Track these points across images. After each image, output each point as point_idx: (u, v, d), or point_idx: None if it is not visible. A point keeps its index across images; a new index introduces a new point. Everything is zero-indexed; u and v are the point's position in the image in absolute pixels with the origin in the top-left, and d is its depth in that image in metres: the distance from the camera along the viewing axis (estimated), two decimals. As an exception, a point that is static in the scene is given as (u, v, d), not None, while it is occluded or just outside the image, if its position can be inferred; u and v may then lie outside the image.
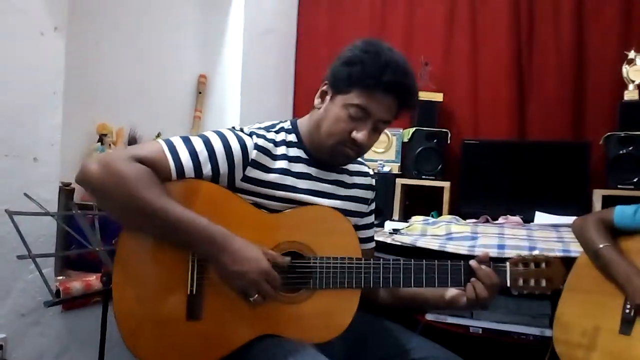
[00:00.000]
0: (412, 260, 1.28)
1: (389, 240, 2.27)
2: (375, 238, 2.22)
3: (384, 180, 2.67)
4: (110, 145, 2.07)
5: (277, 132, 1.31)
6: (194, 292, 1.18)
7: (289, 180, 1.28)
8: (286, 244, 1.24)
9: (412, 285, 1.27)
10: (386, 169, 2.74)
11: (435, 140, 2.67)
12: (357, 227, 1.43)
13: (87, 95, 2.06)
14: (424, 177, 2.68)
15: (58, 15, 1.69)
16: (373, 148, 2.71)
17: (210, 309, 1.19)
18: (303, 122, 1.35)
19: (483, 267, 1.27)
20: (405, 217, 2.67)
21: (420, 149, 2.67)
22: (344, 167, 1.39)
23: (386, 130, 2.79)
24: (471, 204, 2.63)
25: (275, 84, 2.97)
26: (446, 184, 2.65)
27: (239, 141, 1.23)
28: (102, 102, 2.15)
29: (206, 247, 1.14)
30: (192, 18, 2.70)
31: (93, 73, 2.10)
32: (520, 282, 1.29)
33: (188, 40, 2.68)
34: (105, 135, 2.07)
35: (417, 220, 2.51)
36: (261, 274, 1.14)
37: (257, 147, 1.24)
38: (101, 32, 2.15)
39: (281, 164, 1.28)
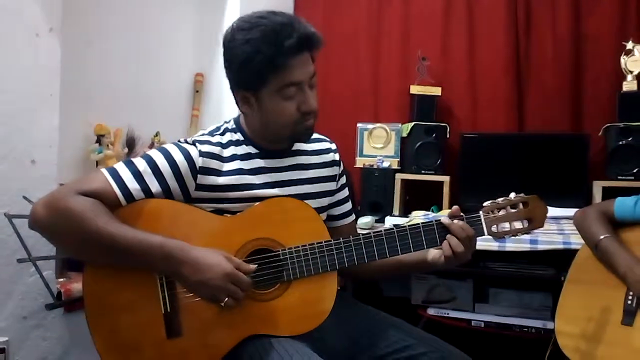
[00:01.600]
0: (382, 230, 1.26)
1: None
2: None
3: (384, 176, 2.67)
4: (108, 145, 2.07)
5: (222, 134, 1.30)
6: (169, 309, 1.17)
7: (244, 179, 1.26)
8: (252, 242, 1.23)
9: (388, 255, 1.25)
10: (385, 164, 2.73)
11: (434, 135, 2.66)
12: (331, 206, 1.42)
13: (84, 96, 2.06)
14: (423, 171, 2.67)
15: (53, 16, 1.68)
16: (372, 144, 2.78)
17: (188, 323, 1.18)
18: (244, 121, 1.32)
19: (455, 221, 1.25)
20: (405, 212, 2.66)
21: (419, 143, 2.66)
22: (299, 149, 1.37)
23: (385, 126, 2.80)
24: (471, 198, 2.61)
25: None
26: (446, 178, 2.64)
27: (182, 152, 1.22)
28: (100, 102, 2.15)
29: (165, 264, 1.14)
30: (188, 17, 2.69)
31: (89, 74, 2.09)
32: (498, 227, 1.27)
33: (184, 38, 2.67)
34: (103, 135, 2.06)
35: (417, 215, 2.51)
36: (225, 278, 1.12)
37: (203, 153, 1.23)
38: (96, 32, 2.14)
39: (233, 164, 1.26)
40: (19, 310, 1.61)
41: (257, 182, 1.28)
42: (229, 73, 1.26)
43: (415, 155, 2.67)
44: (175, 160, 1.21)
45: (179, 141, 1.27)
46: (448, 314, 2.29)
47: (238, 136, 1.30)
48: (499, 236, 1.28)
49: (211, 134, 1.30)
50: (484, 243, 2.11)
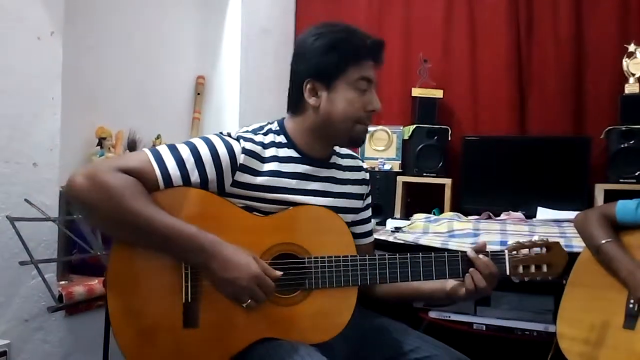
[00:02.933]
0: (409, 254, 1.27)
1: (391, 239, 2.26)
2: (377, 237, 2.24)
3: (385, 178, 2.68)
4: (109, 148, 2.07)
5: (265, 134, 1.30)
6: (190, 300, 1.18)
7: (281, 182, 1.27)
8: (279, 246, 1.24)
9: (410, 279, 1.26)
10: (387, 166, 2.74)
11: (435, 137, 2.66)
12: (354, 223, 1.42)
13: (85, 99, 2.06)
14: (425, 174, 2.67)
15: (55, 19, 1.68)
16: (373, 146, 2.79)
17: (206, 316, 1.18)
18: (290, 123, 1.33)
19: (481, 256, 1.26)
20: (407, 214, 2.67)
21: (420, 146, 2.67)
22: (335, 162, 1.38)
23: (386, 128, 2.81)
24: (473, 201, 2.63)
25: (273, 84, 2.96)
26: (447, 181, 2.64)
27: (226, 146, 1.22)
28: (101, 105, 2.15)
29: (196, 256, 1.14)
30: (190, 19, 2.70)
31: (91, 76, 2.09)
32: (520, 269, 1.28)
33: (185, 41, 2.67)
34: (105, 138, 2.06)
35: (418, 218, 2.51)
36: (252, 279, 1.13)
37: (245, 151, 1.23)
38: (98, 36, 2.14)
39: (271, 166, 1.27)
40: (20, 313, 1.61)
41: (292, 187, 1.28)
42: (303, 64, 1.28)
43: (417, 157, 2.67)
44: (218, 153, 1.21)
45: (221, 133, 1.27)
46: (450, 317, 2.27)
47: (281, 139, 1.31)
48: (519, 277, 1.29)
49: (254, 132, 1.30)
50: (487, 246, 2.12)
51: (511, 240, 2.09)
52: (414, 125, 2.68)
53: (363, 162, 1.49)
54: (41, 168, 1.66)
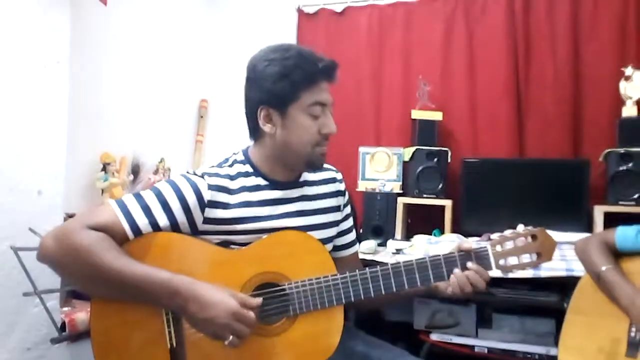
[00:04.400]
0: (389, 264, 1.25)
1: (392, 261, 2.26)
2: (379, 259, 2.24)
3: (386, 200, 2.68)
4: (113, 173, 2.08)
5: (230, 165, 1.31)
6: (174, 344, 1.18)
7: (252, 211, 1.27)
8: (258, 276, 1.23)
9: (394, 289, 1.25)
10: (387, 188, 2.75)
11: (435, 159, 2.68)
12: (336, 236, 1.43)
13: (90, 124, 2.08)
14: (425, 195, 2.68)
15: (60, 48, 1.71)
16: (374, 168, 2.80)
17: (194, 358, 1.18)
18: (253, 151, 1.34)
19: (469, 264, 1.24)
20: (407, 236, 2.67)
21: (421, 167, 2.68)
22: (306, 180, 1.38)
23: (387, 150, 2.82)
24: (473, 222, 2.63)
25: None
26: (448, 202, 2.65)
27: (191, 185, 1.23)
28: (105, 130, 2.17)
29: (172, 300, 1.14)
30: (193, 43, 2.73)
31: (95, 102, 2.12)
32: (507, 261, 1.26)
33: (188, 65, 2.70)
34: (109, 164, 2.08)
35: (419, 239, 2.52)
36: (231, 316, 1.12)
37: (211, 187, 1.24)
38: (101, 62, 2.17)
39: (241, 197, 1.27)
40: (23, 342, 1.61)
41: (265, 214, 1.28)
42: (256, 91, 1.27)
43: (417, 179, 2.68)
44: (183, 194, 1.21)
45: (187, 172, 1.28)
46: (451, 339, 2.28)
47: (247, 168, 1.31)
48: (506, 270, 1.27)
49: (220, 165, 1.31)
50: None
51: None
52: (414, 147, 2.70)
53: (338, 172, 1.47)
54: (45, 196, 1.67)
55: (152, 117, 2.41)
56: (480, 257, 1.26)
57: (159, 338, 1.18)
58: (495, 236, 1.29)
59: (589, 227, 2.41)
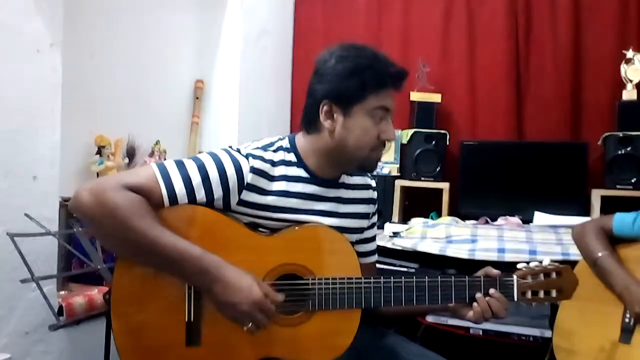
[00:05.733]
0: (414, 277, 1.27)
1: (389, 245, 2.28)
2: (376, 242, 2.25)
3: (383, 182, 2.68)
4: (109, 156, 2.07)
5: (275, 150, 1.29)
6: (192, 319, 1.19)
7: (288, 202, 1.27)
8: (283, 266, 1.24)
9: (415, 303, 1.26)
10: (385, 170, 2.75)
11: (434, 142, 2.67)
12: (358, 242, 1.42)
13: (85, 108, 2.05)
14: (423, 178, 2.68)
15: (54, 31, 1.68)
16: (371, 150, 2.79)
17: (209, 335, 1.19)
18: (302, 142, 1.32)
19: (492, 291, 1.25)
20: (404, 218, 2.68)
21: (419, 150, 2.67)
22: (344, 182, 1.38)
23: (385, 132, 2.81)
24: (470, 205, 2.64)
25: (272, 86, 2.96)
26: (445, 185, 2.65)
27: (234, 165, 1.22)
28: (100, 113, 2.14)
29: (199, 278, 1.14)
30: (188, 23, 2.68)
31: (89, 85, 2.08)
32: (529, 294, 1.28)
33: (183, 45, 2.66)
34: (104, 147, 2.06)
35: (416, 222, 2.52)
36: (253, 305, 1.13)
37: (253, 170, 1.23)
38: (97, 44, 2.13)
39: (279, 185, 1.26)
40: (20, 327, 1.62)
41: (299, 207, 1.28)
42: (323, 84, 1.26)
43: (415, 162, 2.68)
44: (226, 172, 1.20)
45: (230, 148, 1.27)
46: (447, 321, 2.29)
47: (291, 157, 1.30)
48: (526, 302, 1.28)
49: (264, 148, 1.28)
50: (483, 253, 2.14)
51: (509, 247, 2.13)
52: (413, 130, 2.68)
53: (372, 179, 1.47)
54: (41, 181, 1.66)
55: (146, 99, 2.38)
56: (505, 286, 1.27)
57: (178, 310, 1.18)
58: (521, 267, 1.30)
59: (586, 210, 2.42)
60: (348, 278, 1.24)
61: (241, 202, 1.23)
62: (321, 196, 1.32)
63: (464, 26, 2.78)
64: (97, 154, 2.06)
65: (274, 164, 1.27)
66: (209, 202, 1.21)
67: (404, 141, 2.75)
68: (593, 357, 1.52)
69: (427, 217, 2.61)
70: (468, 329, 2.26)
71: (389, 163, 2.79)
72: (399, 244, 2.27)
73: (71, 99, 1.81)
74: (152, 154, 2.30)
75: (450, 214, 2.62)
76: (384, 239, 2.35)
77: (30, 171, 1.64)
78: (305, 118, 1.31)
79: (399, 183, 2.69)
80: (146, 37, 2.40)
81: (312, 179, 1.30)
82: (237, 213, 1.25)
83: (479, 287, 1.27)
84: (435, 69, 2.78)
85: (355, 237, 1.40)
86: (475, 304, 1.26)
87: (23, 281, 1.37)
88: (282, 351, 1.22)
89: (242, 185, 1.22)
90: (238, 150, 1.26)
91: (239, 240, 1.23)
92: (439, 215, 2.63)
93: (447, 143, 2.70)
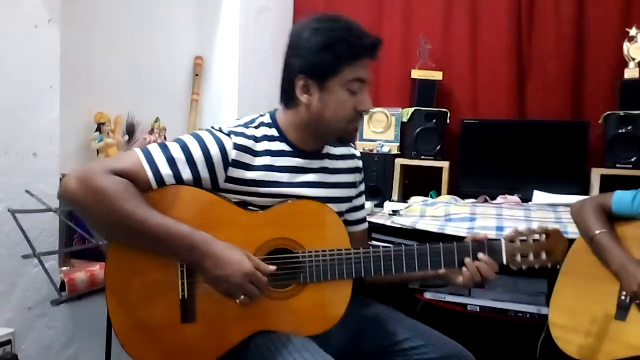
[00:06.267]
0: (403, 245, 1.28)
1: (388, 223, 2.29)
2: (375, 220, 2.26)
3: (383, 161, 2.68)
4: (108, 133, 2.06)
5: (256, 127, 1.30)
6: (186, 296, 1.20)
7: (273, 176, 1.28)
8: (273, 241, 1.25)
9: (404, 271, 1.28)
10: (385, 149, 2.74)
11: (434, 120, 2.66)
12: (347, 211, 1.44)
13: (84, 85, 2.04)
14: (423, 157, 2.68)
15: (52, 6, 1.66)
16: (372, 128, 2.78)
17: (203, 311, 1.21)
18: (282, 116, 1.33)
19: (480, 255, 1.27)
20: (404, 197, 2.69)
21: (419, 129, 2.66)
22: (328, 152, 1.39)
23: (385, 110, 2.80)
24: (470, 184, 2.64)
25: (271, 63, 2.93)
26: (445, 164, 2.65)
27: (217, 143, 1.23)
28: (98, 90, 2.13)
29: (189, 254, 1.16)
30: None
31: (89, 62, 2.07)
32: (518, 257, 1.29)
33: (182, 22, 2.64)
34: (103, 124, 2.05)
35: (415, 201, 2.53)
36: (245, 277, 1.15)
37: (237, 146, 1.24)
38: (95, 21, 2.10)
39: (264, 160, 1.28)
40: (23, 301, 1.64)
41: (285, 180, 1.29)
42: (297, 59, 1.25)
43: (415, 140, 2.67)
44: (209, 150, 1.22)
45: (212, 128, 1.28)
46: (444, 298, 2.32)
47: (273, 132, 1.31)
48: (516, 265, 1.29)
49: (246, 125, 1.30)
50: (482, 231, 2.14)
51: (507, 225, 2.14)
52: (413, 108, 2.67)
53: (356, 148, 1.49)
54: (41, 157, 1.66)
55: (146, 75, 2.37)
56: (493, 250, 1.29)
57: (171, 288, 1.20)
58: (509, 231, 1.31)
59: (586, 189, 2.42)
60: (338, 249, 1.26)
61: (228, 179, 1.24)
62: (306, 168, 1.33)
63: (466, 3, 2.75)
64: (96, 131, 2.05)
65: (256, 139, 1.28)
66: (196, 182, 1.22)
67: (404, 119, 2.75)
68: (588, 334, 1.54)
69: (426, 195, 2.61)
70: (465, 305, 2.29)
71: (389, 141, 2.79)
72: (398, 222, 2.28)
73: (70, 76, 1.80)
74: (151, 131, 2.30)
75: (450, 192, 2.63)
76: (383, 217, 2.36)
77: (30, 148, 1.63)
78: (283, 93, 1.32)
79: (398, 161, 2.69)
80: (145, 13, 2.37)
81: (295, 152, 1.32)
82: (226, 192, 1.26)
83: (468, 252, 1.28)
84: (437, 46, 2.75)
85: (345, 206, 1.42)
86: (464, 268, 1.27)
87: (25, 257, 1.38)
88: (276, 323, 1.24)
89: (227, 163, 1.23)
90: (220, 130, 1.27)
91: (229, 218, 1.24)
92: (439, 193, 2.64)
93: (448, 121, 2.69)
